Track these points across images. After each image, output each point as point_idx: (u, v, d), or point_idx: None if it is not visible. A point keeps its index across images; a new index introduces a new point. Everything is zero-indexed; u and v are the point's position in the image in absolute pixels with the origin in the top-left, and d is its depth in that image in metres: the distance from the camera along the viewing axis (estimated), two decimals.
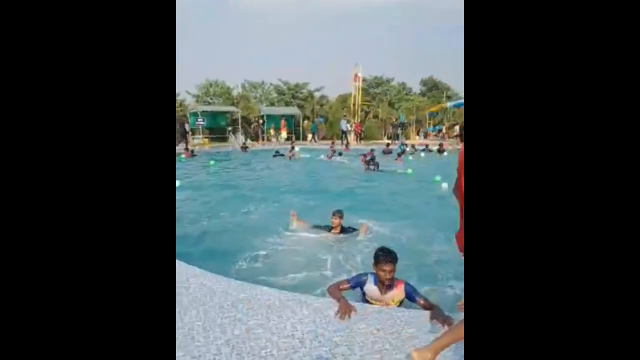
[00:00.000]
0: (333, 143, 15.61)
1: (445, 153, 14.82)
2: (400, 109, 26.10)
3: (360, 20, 50.80)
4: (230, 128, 20.35)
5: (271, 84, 27.48)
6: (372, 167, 9.96)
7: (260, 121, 20.49)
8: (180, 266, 2.96)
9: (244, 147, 16.00)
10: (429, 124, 24.45)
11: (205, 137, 18.80)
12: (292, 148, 14.28)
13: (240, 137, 18.74)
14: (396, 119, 23.64)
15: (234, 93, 26.15)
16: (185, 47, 43.46)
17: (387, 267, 2.46)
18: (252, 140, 19.61)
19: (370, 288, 2.55)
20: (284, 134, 19.73)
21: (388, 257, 2.49)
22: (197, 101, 24.81)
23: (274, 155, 13.52)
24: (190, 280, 2.70)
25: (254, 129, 20.33)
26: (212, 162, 11.89)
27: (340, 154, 13.23)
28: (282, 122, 20.17)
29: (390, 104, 27.74)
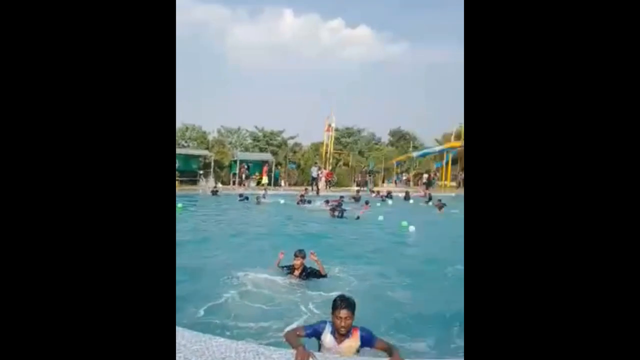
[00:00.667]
0: (305, 190, 15.96)
1: (411, 200, 15.47)
2: (369, 157, 27.29)
3: (335, 74, 54.66)
4: (201, 172, 20.31)
5: (247, 131, 28.19)
6: (337, 214, 10.19)
7: (246, 166, 20.65)
8: None
9: (214, 191, 15.94)
10: (397, 172, 25.61)
11: (176, 180, 18.61)
12: (265, 193, 14.42)
13: (211, 181, 18.72)
14: (365, 167, 24.61)
15: (210, 138, 26.49)
16: None
17: (344, 314, 2.40)
18: (223, 184, 19.59)
19: (327, 338, 2.49)
20: (265, 180, 19.82)
21: (344, 304, 2.43)
22: None
23: (240, 200, 13.55)
24: None
25: (240, 173, 20.38)
26: (179, 205, 11.74)
27: (309, 202, 13.42)
28: (265, 167, 20.39)
29: (360, 153, 28.99)
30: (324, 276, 4.48)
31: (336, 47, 53.51)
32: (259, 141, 27.56)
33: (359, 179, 23.14)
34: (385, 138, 34.81)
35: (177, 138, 25.45)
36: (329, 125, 22.66)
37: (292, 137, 28.24)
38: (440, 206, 12.31)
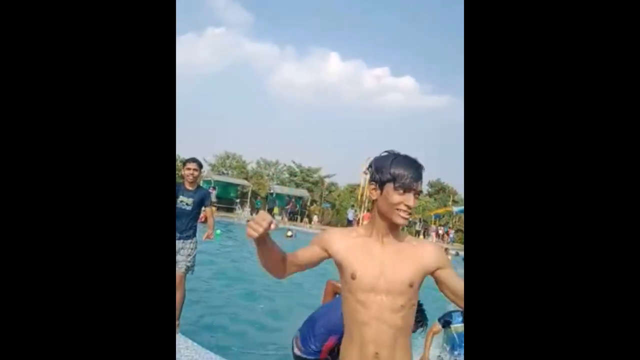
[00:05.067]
0: None
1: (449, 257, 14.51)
2: None
3: (375, 119, 55.76)
4: (238, 200, 20.61)
5: (285, 165, 28.70)
6: None
7: (293, 200, 20.71)
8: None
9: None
10: (435, 225, 24.52)
11: (213, 205, 18.95)
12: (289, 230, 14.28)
13: (247, 211, 18.84)
14: None
15: (249, 168, 27.22)
16: (210, 117, 46.91)
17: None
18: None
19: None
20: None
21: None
22: (212, 170, 25.74)
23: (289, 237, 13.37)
24: None
25: (290, 207, 20.43)
26: (218, 231, 11.72)
27: None
28: (292, 202, 20.47)
29: None
30: None
31: (377, 93, 54.84)
32: (295, 176, 27.82)
33: None
34: (424, 188, 34.01)
35: (217, 165, 26.43)
36: (367, 168, 22.56)
37: (328, 176, 28.35)
38: None
